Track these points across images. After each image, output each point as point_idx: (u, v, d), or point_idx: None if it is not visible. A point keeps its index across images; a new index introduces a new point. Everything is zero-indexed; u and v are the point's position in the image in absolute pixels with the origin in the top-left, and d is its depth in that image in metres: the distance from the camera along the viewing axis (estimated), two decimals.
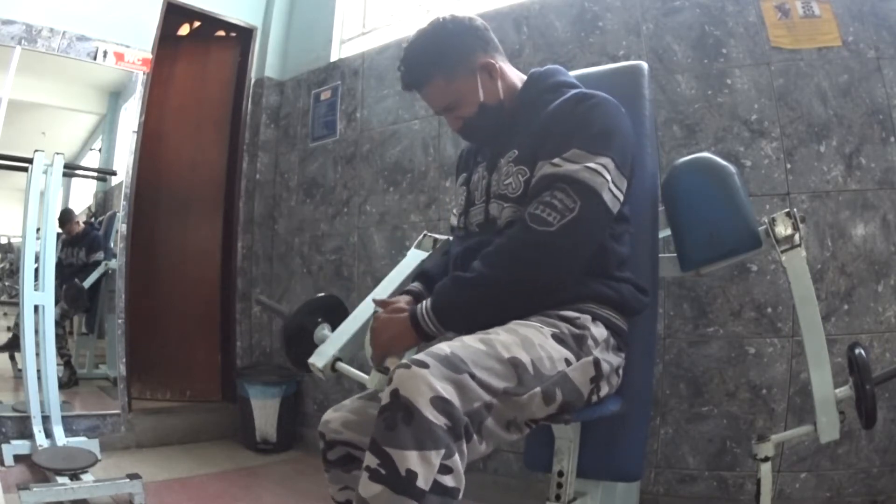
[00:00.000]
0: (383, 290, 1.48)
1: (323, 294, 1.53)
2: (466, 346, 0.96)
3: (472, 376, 0.91)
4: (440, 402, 0.86)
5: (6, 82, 2.59)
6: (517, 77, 1.29)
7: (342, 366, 1.29)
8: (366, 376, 1.21)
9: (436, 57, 1.22)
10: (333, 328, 1.39)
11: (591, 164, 1.07)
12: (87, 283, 2.96)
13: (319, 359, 1.30)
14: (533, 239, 1.05)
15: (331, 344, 1.33)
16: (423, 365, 0.88)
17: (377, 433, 0.86)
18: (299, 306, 1.46)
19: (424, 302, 1.11)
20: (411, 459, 0.83)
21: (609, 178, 1.08)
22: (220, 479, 2.51)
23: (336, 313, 1.43)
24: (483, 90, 1.23)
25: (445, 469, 0.85)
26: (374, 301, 1.25)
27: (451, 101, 1.24)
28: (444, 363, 0.90)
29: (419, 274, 1.43)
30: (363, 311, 1.36)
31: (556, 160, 1.09)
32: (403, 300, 1.25)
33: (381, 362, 1.16)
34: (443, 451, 0.85)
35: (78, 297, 2.89)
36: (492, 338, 1.00)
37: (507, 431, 0.99)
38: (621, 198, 1.12)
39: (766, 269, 1.93)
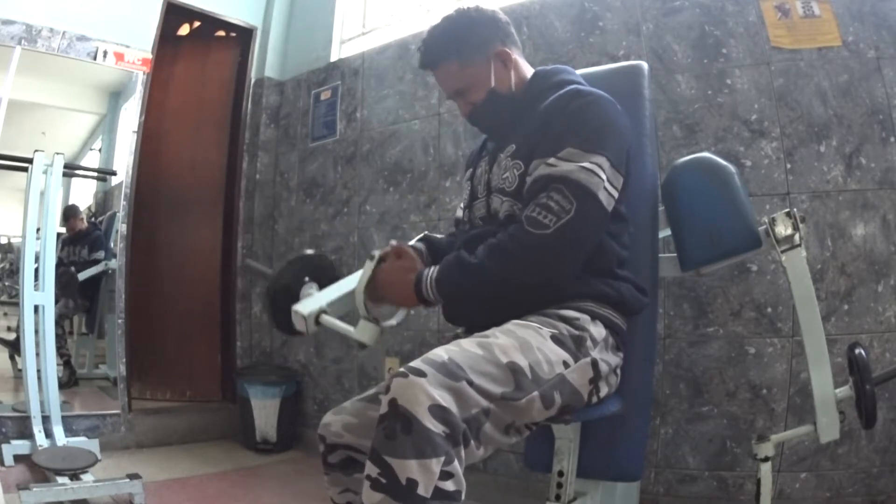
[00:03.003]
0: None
1: (311, 251, 1.38)
2: (464, 350, 0.96)
3: (470, 383, 0.91)
4: (438, 411, 0.86)
5: (6, 82, 2.59)
6: (530, 73, 1.31)
7: (327, 318, 1.19)
8: (351, 328, 1.16)
9: (454, 39, 1.24)
10: (322, 288, 1.29)
11: (586, 164, 1.08)
12: (83, 275, 2.95)
13: (304, 307, 1.20)
14: (530, 242, 1.05)
15: (318, 298, 1.24)
16: (421, 374, 0.88)
17: (377, 442, 0.86)
18: (285, 263, 1.31)
19: (430, 271, 1.13)
20: (411, 468, 0.83)
21: (605, 176, 1.08)
22: (220, 479, 2.51)
23: (325, 273, 1.32)
24: (495, 77, 1.25)
25: (446, 475, 0.86)
26: (391, 245, 1.22)
27: (462, 84, 1.26)
28: (441, 370, 0.90)
29: (423, 237, 1.42)
30: (355, 275, 1.26)
31: (550, 160, 1.10)
32: (414, 251, 1.23)
33: (374, 309, 1.15)
34: (442, 458, 0.85)
35: (69, 284, 2.86)
36: (490, 342, 1.00)
37: (506, 435, 0.99)
38: (616, 195, 1.12)
39: (766, 269, 1.93)
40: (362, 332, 1.15)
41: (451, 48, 1.24)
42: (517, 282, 1.08)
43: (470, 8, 1.28)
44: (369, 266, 1.19)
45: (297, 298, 1.26)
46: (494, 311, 1.13)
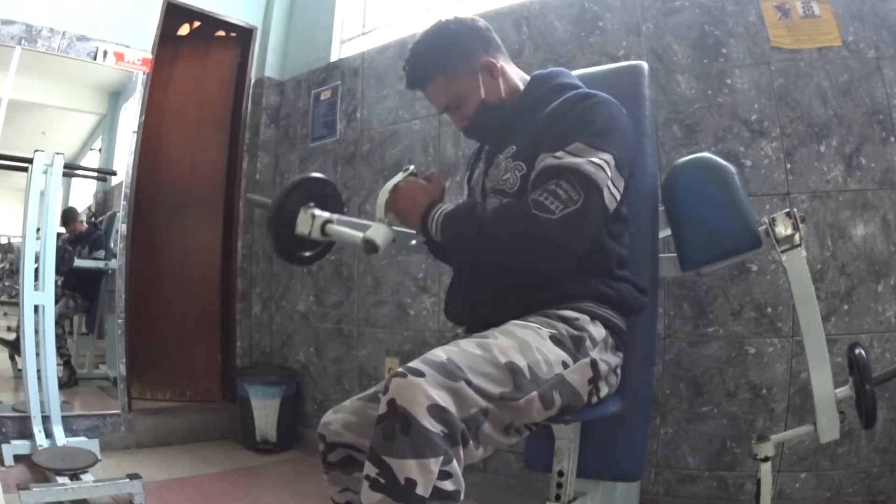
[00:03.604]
0: None
1: (317, 174, 1.31)
2: (463, 351, 0.96)
3: (469, 383, 0.92)
4: (436, 411, 0.86)
5: (6, 82, 2.59)
6: (519, 77, 1.30)
7: (334, 227, 1.17)
8: (358, 232, 1.15)
9: (438, 56, 1.23)
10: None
11: (594, 159, 1.08)
12: (80, 263, 2.95)
13: (315, 211, 1.18)
14: (533, 224, 1.05)
15: (325, 212, 1.21)
16: (419, 374, 0.88)
17: (375, 443, 0.86)
18: (288, 186, 1.24)
19: (442, 208, 1.14)
20: (410, 468, 0.83)
21: (609, 174, 1.09)
22: (220, 479, 2.51)
23: (329, 198, 1.27)
24: (484, 88, 1.24)
25: (444, 475, 0.86)
26: (432, 172, 1.24)
27: (452, 99, 1.25)
28: (439, 371, 0.90)
29: None
30: (365, 222, 1.23)
31: (558, 153, 1.10)
32: (440, 183, 1.23)
33: (391, 217, 1.16)
34: (441, 458, 0.85)
35: (65, 259, 2.83)
36: (489, 342, 1.00)
37: (505, 435, 0.99)
38: (618, 197, 1.12)
39: (766, 269, 1.93)
40: (376, 231, 1.13)
41: (435, 65, 1.23)
42: (510, 253, 1.08)
43: (448, 20, 1.27)
44: (402, 175, 1.19)
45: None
46: (492, 305, 1.13)
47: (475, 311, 1.22)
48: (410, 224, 1.17)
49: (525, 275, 1.13)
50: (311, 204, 1.23)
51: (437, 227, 1.12)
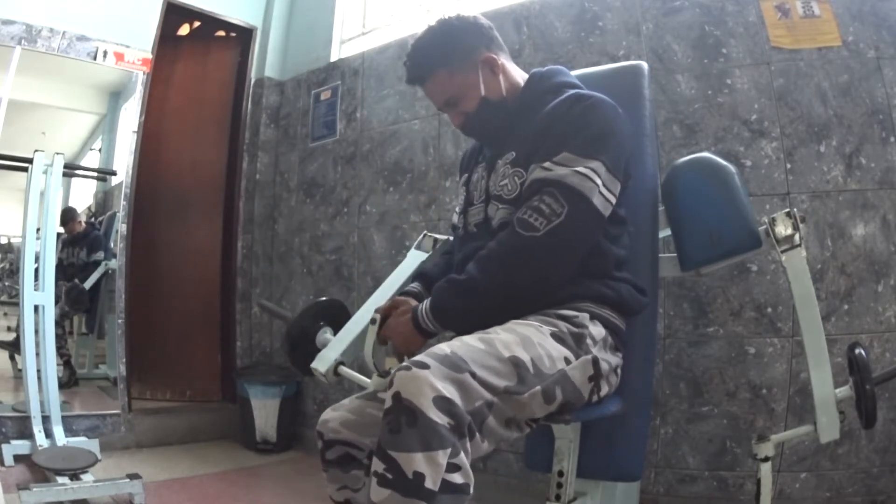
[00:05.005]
0: (383, 292, 1.48)
1: (325, 298, 1.54)
2: (466, 345, 0.96)
3: (473, 375, 0.92)
4: (442, 402, 0.86)
5: (6, 82, 2.59)
6: (520, 76, 1.30)
7: (344, 370, 1.30)
8: (367, 380, 1.22)
9: (439, 51, 1.23)
10: (335, 331, 1.40)
11: (581, 169, 1.08)
12: (87, 284, 2.97)
13: (322, 363, 1.31)
14: (520, 244, 1.06)
15: (332, 348, 1.34)
16: (424, 366, 0.88)
17: (382, 438, 0.86)
18: (302, 310, 1.46)
19: (424, 304, 1.14)
20: (417, 461, 0.83)
21: (600, 181, 1.09)
22: (220, 479, 2.51)
23: (338, 317, 1.44)
24: (485, 85, 1.24)
25: (453, 467, 0.85)
26: (377, 310, 1.26)
27: (452, 95, 1.25)
28: (444, 363, 0.90)
29: (419, 275, 1.45)
30: (364, 315, 1.36)
31: (546, 164, 1.10)
32: (392, 303, 1.27)
33: (384, 365, 1.22)
34: (449, 450, 0.85)
35: (79, 299, 2.90)
36: (492, 337, 1.00)
37: (507, 429, 0.99)
38: (613, 200, 1.12)
39: (766, 269, 1.93)
40: (374, 384, 1.19)
41: (437, 59, 1.23)
42: (510, 285, 1.09)
43: (451, 17, 1.27)
44: (372, 330, 1.25)
45: (313, 342, 1.38)
46: (494, 317, 1.13)
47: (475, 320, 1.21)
48: (418, 345, 1.18)
49: None
50: (322, 324, 1.40)
51: (431, 322, 1.12)
